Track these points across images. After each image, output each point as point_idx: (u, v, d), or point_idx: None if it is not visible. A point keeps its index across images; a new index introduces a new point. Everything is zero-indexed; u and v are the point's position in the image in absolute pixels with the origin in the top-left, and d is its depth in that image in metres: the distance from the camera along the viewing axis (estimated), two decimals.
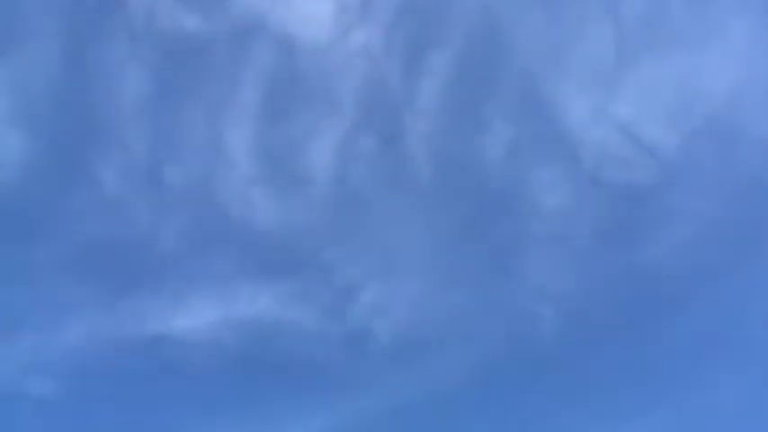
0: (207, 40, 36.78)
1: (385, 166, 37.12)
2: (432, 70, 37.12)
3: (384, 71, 37.13)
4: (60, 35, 36.04)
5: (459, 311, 35.58)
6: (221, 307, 37.31)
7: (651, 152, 37.22)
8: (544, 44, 37.38)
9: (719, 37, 37.09)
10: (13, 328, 35.87)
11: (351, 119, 37.21)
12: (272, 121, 37.33)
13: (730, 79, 37.31)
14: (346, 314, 37.22)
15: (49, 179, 36.77)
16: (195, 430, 34.15)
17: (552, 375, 34.64)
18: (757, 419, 33.61)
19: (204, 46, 36.85)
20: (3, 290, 34.73)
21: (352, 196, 37.41)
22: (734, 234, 36.53)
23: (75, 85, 36.53)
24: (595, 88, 37.57)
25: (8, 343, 36.31)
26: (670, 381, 34.60)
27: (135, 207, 36.78)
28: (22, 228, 35.64)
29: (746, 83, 37.31)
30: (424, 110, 37.20)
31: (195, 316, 39.17)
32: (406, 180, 36.98)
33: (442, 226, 36.79)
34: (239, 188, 37.07)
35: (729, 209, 36.56)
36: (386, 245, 36.62)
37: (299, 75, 37.27)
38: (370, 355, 36.08)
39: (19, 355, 34.92)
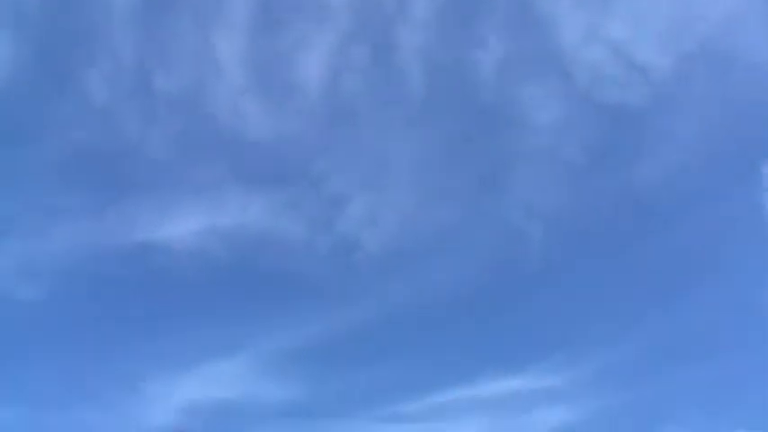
0: None
1: (377, 78, 36.81)
2: None
3: None
4: None
5: (448, 225, 35.62)
6: (209, 216, 37.24)
7: (644, 74, 36.97)
8: None
9: None
10: (1, 234, 35.85)
11: (343, 30, 36.80)
12: (263, 31, 36.89)
13: (726, 4, 36.98)
14: (335, 225, 37.23)
15: (37, 85, 36.38)
16: (180, 337, 34.32)
17: (538, 292, 34.83)
18: (739, 336, 33.94)
19: None
20: None
21: (343, 108, 37.17)
22: (725, 158, 36.48)
23: None
24: (590, 7, 37.21)
25: None
26: (655, 301, 34.78)
27: (123, 115, 36.49)
28: (9, 134, 35.33)
29: (742, 8, 36.98)
30: (418, 22, 36.79)
31: (183, 224, 39.13)
32: (398, 92, 36.71)
33: (433, 139, 36.65)
34: (229, 97, 36.77)
35: (722, 132, 36.44)
36: (376, 157, 36.48)
37: None
38: (358, 265, 36.16)
39: (7, 260, 34.95)
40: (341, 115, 37.04)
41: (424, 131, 36.82)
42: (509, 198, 36.53)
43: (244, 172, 36.73)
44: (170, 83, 36.87)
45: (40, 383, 33.46)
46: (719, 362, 33.53)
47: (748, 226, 35.33)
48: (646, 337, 34.57)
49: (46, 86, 36.39)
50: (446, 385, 37.54)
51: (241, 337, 35.53)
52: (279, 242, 36.45)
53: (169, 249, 35.19)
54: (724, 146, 36.49)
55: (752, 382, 32.64)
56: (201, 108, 36.69)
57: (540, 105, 36.57)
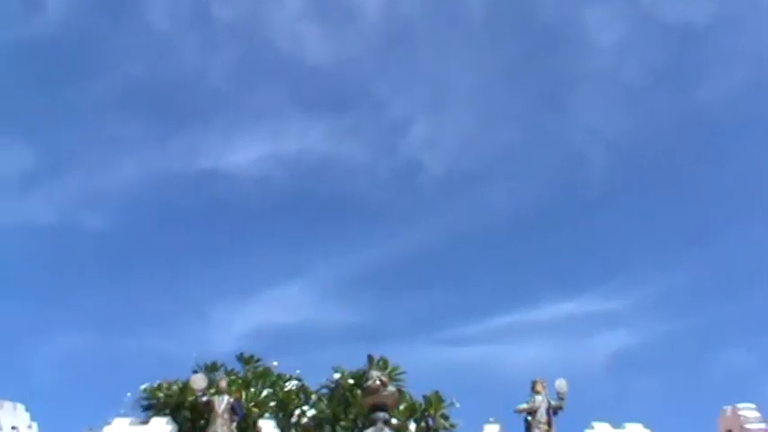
0: None
1: (437, 0, 36.35)
2: None
3: None
4: None
5: (509, 147, 35.43)
6: (270, 143, 37.55)
7: None
8: None
9: None
10: (67, 165, 36.53)
11: None
12: None
13: None
14: (396, 148, 37.29)
15: (97, 18, 36.60)
16: (244, 263, 34.81)
17: (599, 215, 34.53)
18: None
19: None
20: (56, 128, 35.06)
21: (401, 31, 36.90)
22: None
23: None
24: None
25: (63, 179, 37.15)
26: (718, 224, 34.15)
27: (183, 45, 36.65)
28: (71, 68, 35.67)
29: None
30: None
31: (244, 152, 39.59)
32: (457, 14, 36.29)
33: (493, 61, 36.23)
34: (287, 23, 36.70)
35: None
36: (436, 79, 36.22)
37: None
38: (420, 189, 36.19)
39: (74, 192, 35.58)
40: (400, 38, 36.85)
41: (484, 53, 36.47)
42: (570, 120, 36.20)
43: (304, 98, 36.87)
44: (229, 11, 36.98)
45: (108, 311, 34.26)
46: None
47: None
48: (708, 262, 34.21)
49: (106, 19, 36.70)
50: (507, 309, 37.82)
51: (303, 262, 36.05)
52: (340, 167, 36.65)
53: (232, 177, 35.63)
54: None
55: None
56: (260, 35, 36.77)
57: (602, 26, 35.97)
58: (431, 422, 15.99)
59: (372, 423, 11.62)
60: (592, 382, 30.38)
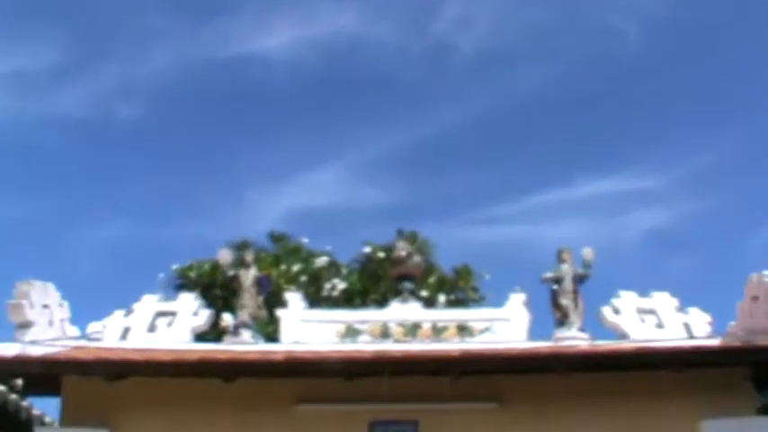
0: None
1: None
2: None
3: None
4: None
5: (542, 24, 34.41)
6: (301, 26, 37.00)
7: None
8: None
9: None
10: (101, 56, 36.47)
11: None
12: None
13: None
14: (427, 29, 36.58)
15: None
16: (278, 147, 34.82)
17: (634, 91, 33.65)
18: None
19: None
20: (86, 20, 34.89)
21: None
22: None
23: None
24: None
25: (97, 70, 37.17)
26: (756, 100, 33.17)
27: None
28: None
29: None
30: None
31: (276, 36, 39.09)
32: None
33: None
34: None
35: None
36: None
37: None
38: (452, 69, 35.57)
39: (107, 82, 35.56)
40: None
41: None
42: None
43: None
44: None
45: (144, 200, 34.67)
46: None
47: None
48: (746, 139, 33.54)
49: None
50: (541, 187, 37.61)
51: (336, 145, 35.96)
52: (372, 48, 36.06)
53: (264, 61, 35.24)
54: None
55: None
56: None
57: None
58: (460, 295, 16.27)
59: (398, 293, 11.76)
60: (624, 259, 30.33)
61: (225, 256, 11.64)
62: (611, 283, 11.72)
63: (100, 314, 11.40)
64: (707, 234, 34.20)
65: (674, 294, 11.55)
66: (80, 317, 11.44)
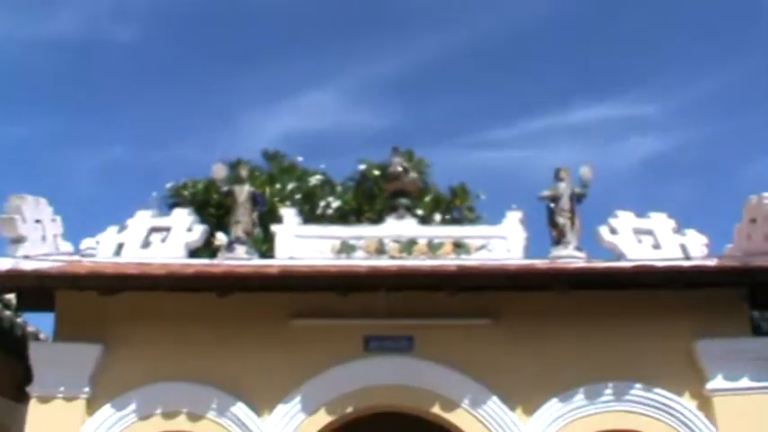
0: None
1: None
2: None
3: None
4: None
5: None
6: None
7: None
8: None
9: None
10: None
11: None
12: None
13: None
14: None
15: None
16: (272, 69, 34.51)
17: (632, 15, 33.05)
18: None
19: None
20: None
21: None
22: None
23: None
24: None
25: None
26: (756, 28, 32.63)
27: None
28: None
29: None
30: None
31: None
32: None
33: None
34: None
35: None
36: None
37: None
38: None
39: (101, 4, 34.74)
40: None
41: None
42: None
43: None
44: None
45: (139, 123, 34.39)
46: None
47: None
48: (746, 65, 33.20)
49: None
50: (537, 112, 37.40)
51: (332, 67, 35.60)
52: None
53: None
54: None
55: None
56: None
57: None
58: (456, 214, 16.14)
59: (394, 209, 11.65)
60: (620, 185, 30.29)
61: (219, 170, 11.50)
62: (608, 207, 11.64)
63: (93, 232, 11.29)
64: (703, 163, 34.13)
65: (671, 217, 11.47)
66: (74, 235, 11.34)
